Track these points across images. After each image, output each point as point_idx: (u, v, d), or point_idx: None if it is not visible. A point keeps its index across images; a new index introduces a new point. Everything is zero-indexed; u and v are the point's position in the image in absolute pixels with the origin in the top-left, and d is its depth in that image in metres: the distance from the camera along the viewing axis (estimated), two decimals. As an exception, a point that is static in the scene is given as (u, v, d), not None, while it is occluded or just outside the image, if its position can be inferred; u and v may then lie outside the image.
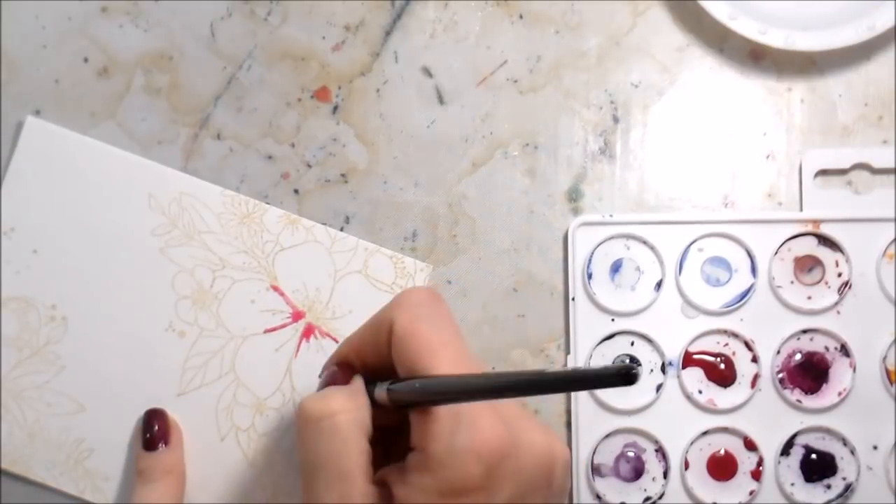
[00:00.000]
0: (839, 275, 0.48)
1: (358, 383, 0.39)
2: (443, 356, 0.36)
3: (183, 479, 0.46)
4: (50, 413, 0.47)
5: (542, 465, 0.36)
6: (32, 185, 0.48)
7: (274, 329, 0.48)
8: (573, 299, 0.48)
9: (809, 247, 0.48)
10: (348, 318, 0.48)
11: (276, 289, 0.48)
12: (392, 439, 0.38)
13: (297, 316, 0.48)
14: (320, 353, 0.48)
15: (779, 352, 0.47)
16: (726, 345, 0.48)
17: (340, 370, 0.40)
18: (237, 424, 0.47)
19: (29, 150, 0.48)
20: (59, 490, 0.47)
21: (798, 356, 0.48)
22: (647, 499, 0.47)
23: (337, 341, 0.48)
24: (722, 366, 0.48)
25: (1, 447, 0.47)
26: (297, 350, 0.48)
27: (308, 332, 0.48)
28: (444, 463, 0.34)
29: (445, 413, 0.35)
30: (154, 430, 0.46)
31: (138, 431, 0.46)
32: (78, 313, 0.48)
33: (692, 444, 0.47)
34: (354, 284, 0.48)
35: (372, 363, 0.39)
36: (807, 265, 0.48)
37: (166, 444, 0.46)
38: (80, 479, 0.47)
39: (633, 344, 0.48)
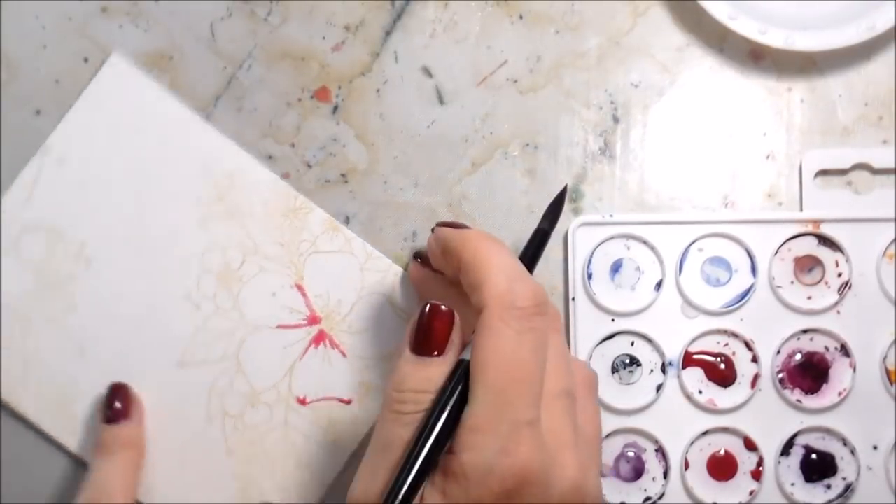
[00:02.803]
0: (839, 275, 0.48)
1: (454, 355, 0.38)
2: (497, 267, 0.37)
3: (143, 453, 0.46)
4: (50, 347, 0.47)
5: (568, 501, 0.36)
6: (97, 121, 0.48)
7: (287, 327, 0.48)
8: (573, 299, 0.48)
9: (809, 247, 0.48)
10: (362, 336, 0.48)
11: (299, 288, 0.48)
12: None
13: (312, 320, 0.48)
14: (325, 362, 0.48)
15: (779, 352, 0.47)
16: (726, 345, 0.48)
17: (441, 324, 0.39)
18: (227, 410, 0.47)
19: (105, 85, 0.48)
20: (40, 428, 0.47)
21: (798, 356, 0.48)
22: (647, 499, 0.47)
23: (345, 356, 0.48)
24: (722, 366, 0.48)
25: (1, 373, 0.47)
26: (304, 353, 0.48)
27: (319, 339, 0.48)
28: (469, 475, 0.34)
29: (490, 424, 0.35)
30: (116, 405, 0.46)
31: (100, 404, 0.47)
32: (103, 258, 0.48)
33: (692, 444, 0.47)
34: (377, 306, 0.48)
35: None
36: (807, 265, 0.48)
37: (127, 418, 0.46)
38: (63, 421, 0.47)
39: (633, 344, 0.48)
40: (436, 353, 0.37)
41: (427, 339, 0.38)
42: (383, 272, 0.48)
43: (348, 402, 0.48)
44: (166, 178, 0.48)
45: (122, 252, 0.48)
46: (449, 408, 0.36)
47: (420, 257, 0.46)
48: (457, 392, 0.36)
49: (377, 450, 0.37)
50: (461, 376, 0.36)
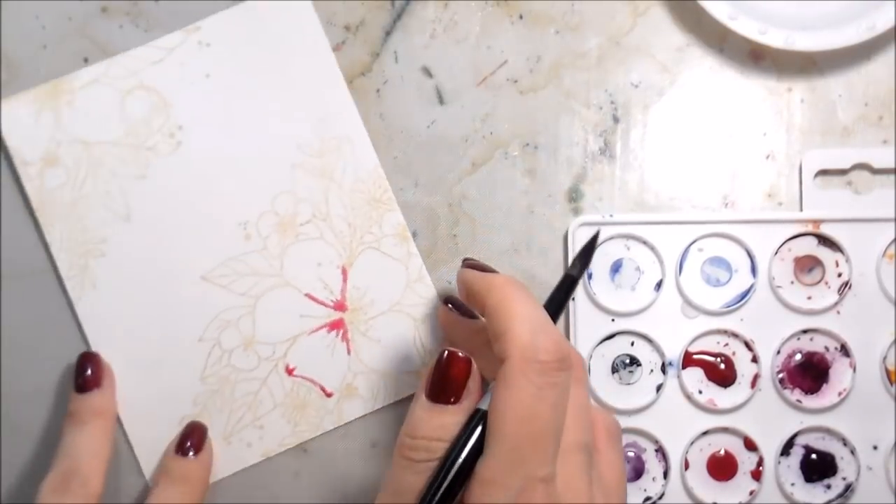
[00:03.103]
0: (839, 275, 0.48)
1: (470, 403, 0.38)
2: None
3: (114, 421, 0.47)
4: (93, 262, 0.48)
5: None
6: (251, 26, 0.48)
7: (313, 299, 0.48)
8: (573, 299, 0.48)
9: (809, 247, 0.48)
10: (373, 345, 0.48)
11: (343, 272, 0.48)
12: None
13: (339, 306, 0.48)
14: (329, 349, 0.48)
15: (779, 352, 0.47)
16: (726, 345, 0.48)
17: (459, 372, 0.38)
18: (221, 340, 0.48)
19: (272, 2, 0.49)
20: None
21: (798, 356, 0.48)
22: (647, 499, 0.47)
23: (349, 353, 0.48)
24: (722, 366, 0.48)
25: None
26: (315, 330, 0.48)
27: (335, 326, 0.48)
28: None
29: (504, 478, 0.35)
30: (87, 373, 0.46)
31: (72, 373, 0.47)
32: (195, 147, 0.48)
33: (692, 444, 0.47)
34: (401, 327, 0.48)
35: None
36: (807, 265, 0.48)
37: (98, 386, 0.46)
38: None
39: (633, 344, 0.48)
40: (452, 400, 0.37)
41: (443, 386, 0.37)
42: (424, 300, 0.48)
43: (329, 395, 0.48)
44: (284, 112, 0.48)
45: (212, 152, 0.48)
46: (463, 458, 0.35)
47: (450, 302, 0.44)
48: (471, 442, 0.36)
49: (388, 495, 0.37)
50: (476, 426, 0.36)
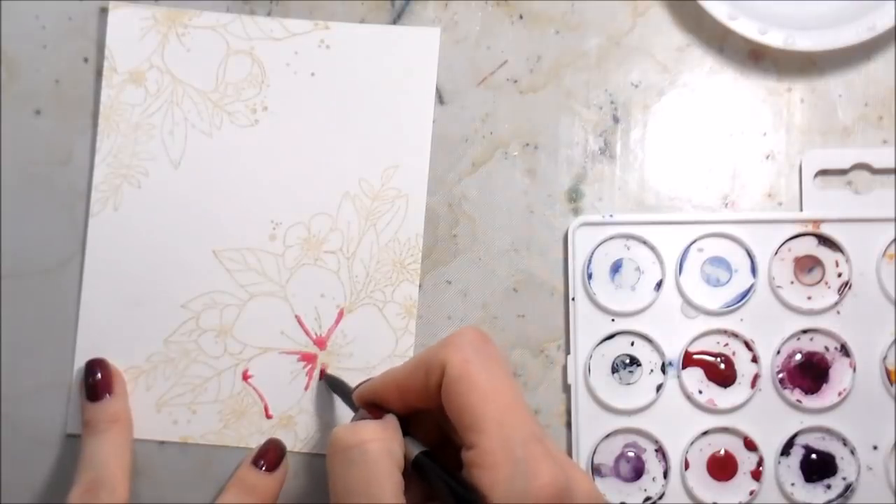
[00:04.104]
0: (839, 275, 0.48)
1: (390, 418, 0.39)
2: (493, 402, 0.36)
3: (130, 425, 0.47)
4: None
5: None
6: (373, 41, 0.49)
7: (300, 325, 0.48)
8: (573, 299, 0.48)
9: (809, 247, 0.48)
10: (330, 397, 0.48)
11: (340, 314, 0.48)
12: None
13: (320, 343, 0.48)
14: (293, 377, 0.48)
15: (779, 352, 0.47)
16: (726, 345, 0.48)
17: (371, 413, 0.40)
18: (200, 314, 0.48)
19: (409, 30, 0.49)
20: None
21: (798, 356, 0.48)
22: (647, 499, 0.47)
23: (307, 389, 0.48)
24: (722, 366, 0.48)
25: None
26: (287, 353, 0.48)
27: (307, 358, 0.48)
28: None
29: (503, 459, 0.35)
30: (97, 380, 0.46)
31: (82, 383, 0.47)
32: (267, 133, 0.48)
33: (692, 444, 0.47)
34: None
35: (413, 402, 0.39)
36: (807, 265, 0.48)
37: (110, 393, 0.46)
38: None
39: (633, 344, 0.48)
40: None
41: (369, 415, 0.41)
42: (403, 356, 0.48)
43: (269, 417, 0.48)
44: (365, 141, 0.48)
45: (282, 145, 0.48)
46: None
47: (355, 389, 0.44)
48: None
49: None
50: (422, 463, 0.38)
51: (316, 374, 0.48)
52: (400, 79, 0.48)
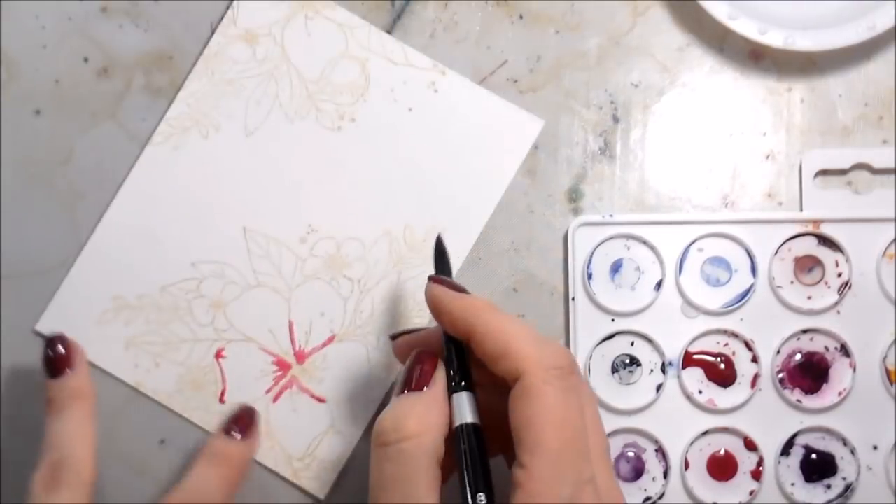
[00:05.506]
0: (839, 275, 0.48)
1: (437, 389, 0.39)
2: (560, 432, 0.36)
3: (93, 400, 0.45)
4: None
5: None
6: (465, 107, 0.49)
7: (290, 332, 0.48)
8: (573, 299, 0.48)
9: (809, 247, 0.48)
10: (284, 410, 0.48)
11: (331, 339, 0.48)
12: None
13: (299, 356, 0.48)
14: (261, 373, 0.48)
15: (779, 352, 0.47)
16: (726, 345, 0.48)
17: (425, 365, 0.39)
18: (206, 290, 0.48)
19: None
20: None
21: (798, 356, 0.48)
22: (647, 499, 0.47)
23: (275, 401, 0.48)
24: (722, 366, 0.48)
25: None
26: (266, 351, 0.48)
27: (281, 365, 0.48)
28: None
29: (548, 493, 0.35)
30: (57, 356, 0.45)
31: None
32: (343, 145, 0.48)
33: (692, 444, 0.47)
34: (321, 421, 0.48)
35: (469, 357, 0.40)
36: (807, 265, 0.48)
37: (70, 367, 0.45)
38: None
39: (633, 344, 0.48)
40: (419, 387, 0.38)
41: (410, 377, 0.39)
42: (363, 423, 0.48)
43: (221, 402, 0.48)
44: (428, 190, 0.48)
45: (351, 160, 0.48)
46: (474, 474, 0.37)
47: (395, 336, 0.44)
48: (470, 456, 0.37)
49: (373, 491, 0.37)
50: (468, 438, 0.37)
51: (280, 383, 0.48)
52: (488, 150, 0.48)
